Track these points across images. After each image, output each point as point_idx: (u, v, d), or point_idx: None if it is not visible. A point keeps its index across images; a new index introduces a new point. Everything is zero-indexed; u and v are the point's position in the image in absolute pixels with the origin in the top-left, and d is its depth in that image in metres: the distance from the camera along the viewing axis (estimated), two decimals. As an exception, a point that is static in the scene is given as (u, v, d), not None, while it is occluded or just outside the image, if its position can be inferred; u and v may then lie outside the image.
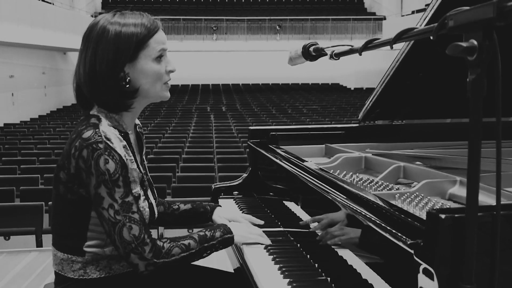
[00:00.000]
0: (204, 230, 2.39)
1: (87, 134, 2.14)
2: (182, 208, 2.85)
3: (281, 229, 2.86)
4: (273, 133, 3.67)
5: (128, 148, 2.25)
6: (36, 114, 26.40)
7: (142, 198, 2.35)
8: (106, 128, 2.19)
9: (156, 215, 2.50)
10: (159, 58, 2.29)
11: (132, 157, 2.27)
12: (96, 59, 2.20)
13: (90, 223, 2.24)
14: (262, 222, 2.83)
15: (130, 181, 2.21)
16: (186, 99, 31.45)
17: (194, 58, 36.68)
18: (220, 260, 4.21)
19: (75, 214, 2.25)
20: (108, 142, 2.13)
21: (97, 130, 2.16)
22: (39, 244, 6.94)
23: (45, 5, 26.51)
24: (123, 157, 2.16)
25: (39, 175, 9.61)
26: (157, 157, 11.85)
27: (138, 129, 2.57)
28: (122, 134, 2.27)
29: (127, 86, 2.24)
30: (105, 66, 2.19)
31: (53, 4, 28.43)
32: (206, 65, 37.73)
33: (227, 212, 2.86)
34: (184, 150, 13.25)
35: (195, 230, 2.61)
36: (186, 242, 2.28)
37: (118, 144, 2.17)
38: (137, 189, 2.30)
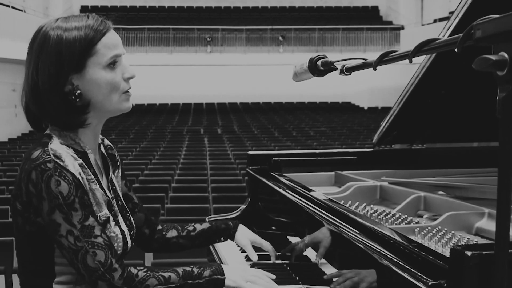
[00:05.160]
0: (192, 266, 2.36)
1: (35, 154, 2.15)
2: (200, 228, 2.85)
3: (285, 265, 2.86)
4: (275, 158, 3.68)
5: (87, 167, 2.26)
6: (5, 137, 26.37)
7: (113, 223, 2.35)
8: (56, 146, 2.19)
9: (129, 245, 2.48)
10: (112, 65, 2.27)
11: (93, 177, 2.28)
12: (38, 73, 2.20)
13: (55, 255, 2.24)
14: (274, 259, 2.85)
15: (89, 203, 2.21)
16: (177, 120, 31.43)
17: (186, 73, 36.65)
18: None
19: (38, 247, 2.25)
20: (57, 160, 2.13)
21: (45, 148, 2.16)
22: (8, 285, 6.89)
23: (15, 12, 26.59)
24: (77, 176, 2.16)
25: (8, 207, 9.56)
26: (143, 186, 11.81)
27: (105, 149, 2.58)
28: (79, 154, 2.27)
29: (77, 100, 2.23)
30: (47, 80, 2.19)
31: (24, 11, 28.50)
32: (199, 81, 37.66)
33: (251, 233, 2.88)
34: (174, 178, 13.21)
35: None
36: (166, 274, 2.27)
37: (70, 161, 2.17)
38: (104, 212, 2.30)
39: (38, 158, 2.13)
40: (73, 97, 2.22)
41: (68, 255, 2.16)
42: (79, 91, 2.22)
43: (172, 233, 2.83)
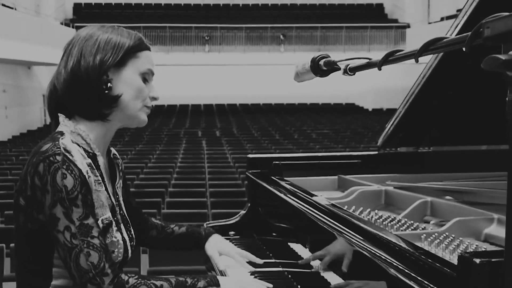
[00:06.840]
0: (186, 277, 2.39)
1: (45, 147, 2.21)
2: (177, 232, 2.94)
3: (286, 272, 2.86)
4: (276, 162, 3.68)
5: (95, 168, 2.31)
6: (-5, 140, 26.39)
7: (115, 228, 2.38)
8: (67, 142, 2.25)
9: (129, 254, 2.51)
10: (145, 78, 2.42)
11: (99, 179, 2.33)
12: (82, 55, 2.31)
13: (54, 256, 2.26)
14: (261, 262, 2.86)
15: (91, 203, 2.25)
16: (173, 122, 31.44)
17: (183, 73, 36.65)
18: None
19: (37, 247, 2.28)
20: (67, 154, 2.18)
21: (56, 142, 2.22)
22: (-2, 292, 6.89)
23: (5, 10, 26.48)
24: (84, 173, 2.21)
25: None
26: (139, 190, 11.79)
27: (113, 157, 2.63)
28: (89, 154, 2.32)
29: (106, 91, 2.31)
30: (92, 62, 2.30)
31: (15, 9, 28.39)
32: (197, 82, 37.64)
33: (222, 243, 2.93)
34: (170, 182, 13.20)
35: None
36: (157, 283, 2.29)
37: (79, 158, 2.22)
38: (107, 215, 2.35)
39: (47, 150, 2.18)
40: (104, 86, 2.31)
41: (63, 253, 2.18)
42: (110, 84, 2.32)
43: (152, 233, 2.93)
